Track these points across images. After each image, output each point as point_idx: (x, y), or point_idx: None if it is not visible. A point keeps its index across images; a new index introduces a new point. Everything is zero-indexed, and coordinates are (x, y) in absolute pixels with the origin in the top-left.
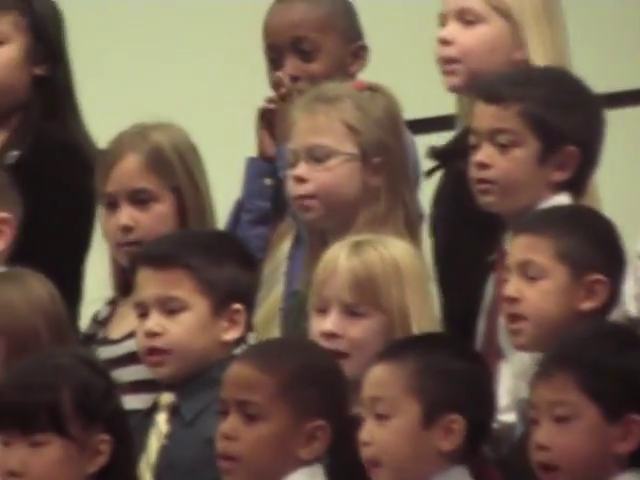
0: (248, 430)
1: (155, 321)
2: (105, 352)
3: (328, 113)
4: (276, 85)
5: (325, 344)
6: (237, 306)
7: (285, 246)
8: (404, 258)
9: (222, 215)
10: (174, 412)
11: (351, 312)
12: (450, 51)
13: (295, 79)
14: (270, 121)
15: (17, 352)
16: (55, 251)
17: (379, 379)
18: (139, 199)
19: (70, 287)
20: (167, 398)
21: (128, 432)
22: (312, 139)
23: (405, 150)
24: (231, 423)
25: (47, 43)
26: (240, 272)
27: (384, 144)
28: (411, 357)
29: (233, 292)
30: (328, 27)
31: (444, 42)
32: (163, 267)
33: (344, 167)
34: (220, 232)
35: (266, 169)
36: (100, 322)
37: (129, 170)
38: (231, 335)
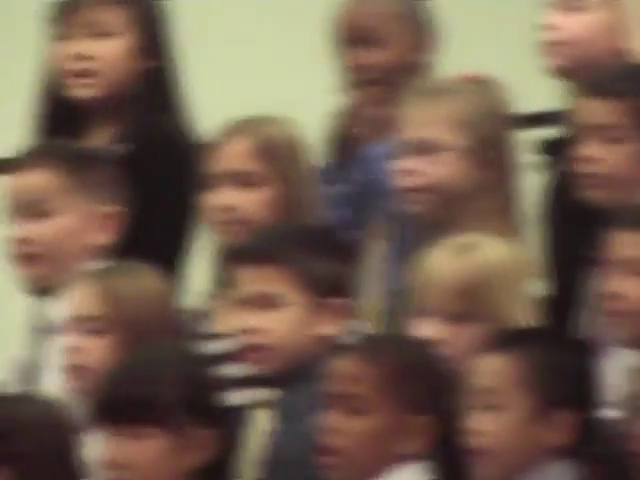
0: (351, 423)
1: (255, 318)
2: (209, 347)
3: (438, 106)
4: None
5: None
6: (335, 300)
7: (379, 248)
8: (505, 262)
9: None
10: (275, 408)
11: (454, 319)
12: (556, 35)
13: (364, 69)
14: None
15: (133, 345)
16: (161, 245)
17: (492, 370)
18: (243, 181)
19: (174, 280)
20: (268, 395)
21: (231, 427)
22: (422, 132)
23: (512, 143)
24: (335, 416)
25: (154, 36)
26: (338, 266)
27: (495, 137)
28: (524, 349)
29: (332, 286)
30: (398, 18)
31: (550, 28)
32: (261, 263)
33: (454, 161)
34: (316, 226)
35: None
36: (199, 315)
37: (236, 152)
38: (330, 329)
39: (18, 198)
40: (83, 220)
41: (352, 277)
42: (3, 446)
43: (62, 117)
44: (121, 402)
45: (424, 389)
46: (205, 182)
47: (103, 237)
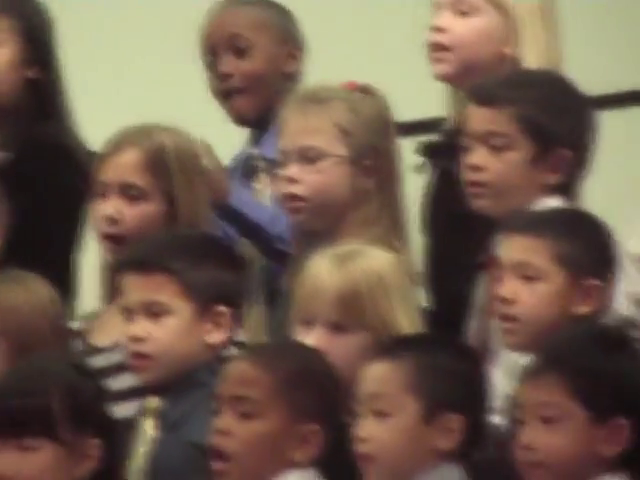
0: (242, 427)
1: (140, 326)
2: (97, 360)
3: (319, 114)
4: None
5: None
6: (221, 308)
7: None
8: (387, 270)
9: None
10: (160, 417)
11: (336, 328)
12: (442, 38)
13: (229, 76)
14: None
15: (21, 354)
16: (46, 253)
17: (378, 376)
18: (129, 194)
19: (61, 288)
20: (153, 403)
21: (117, 437)
22: (303, 140)
23: (395, 150)
24: (225, 419)
25: (38, 46)
26: (224, 273)
27: (375, 146)
28: (410, 355)
29: (217, 294)
30: (261, 26)
31: (437, 29)
32: (145, 272)
33: (335, 169)
34: (203, 233)
35: None
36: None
37: (125, 163)
38: (216, 337)
39: None
40: None
41: (241, 284)
42: None
43: None
44: (6, 414)
45: (316, 396)
46: (94, 191)
47: None
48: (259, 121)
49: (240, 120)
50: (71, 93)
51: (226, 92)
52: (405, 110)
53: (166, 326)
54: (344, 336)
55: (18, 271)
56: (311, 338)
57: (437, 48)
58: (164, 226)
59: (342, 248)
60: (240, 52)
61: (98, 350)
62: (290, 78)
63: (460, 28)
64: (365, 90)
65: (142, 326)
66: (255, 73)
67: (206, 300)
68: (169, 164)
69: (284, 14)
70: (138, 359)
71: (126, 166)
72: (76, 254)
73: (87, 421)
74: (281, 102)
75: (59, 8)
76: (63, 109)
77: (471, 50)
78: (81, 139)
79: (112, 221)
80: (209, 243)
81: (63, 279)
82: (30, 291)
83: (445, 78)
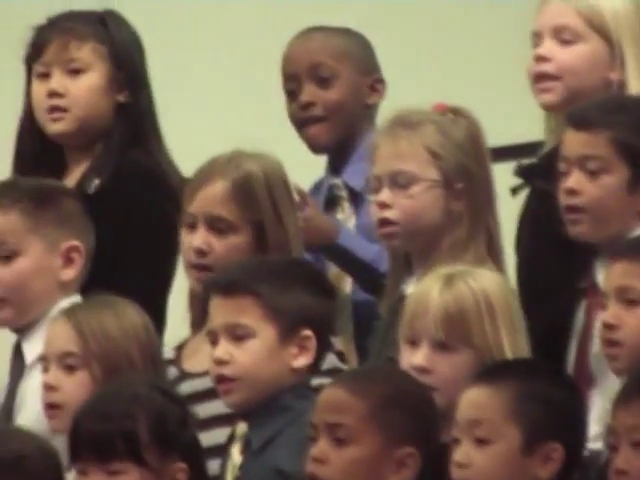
0: (338, 453)
1: (223, 349)
2: (186, 386)
3: (410, 139)
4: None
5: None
6: (307, 332)
7: None
8: (495, 291)
9: None
10: (247, 442)
11: (442, 347)
12: (548, 67)
13: (311, 105)
14: None
15: (111, 379)
16: (137, 279)
17: (479, 402)
18: (217, 226)
19: (152, 315)
20: (242, 428)
21: (203, 461)
22: (395, 165)
23: (488, 174)
24: (321, 446)
25: (127, 70)
26: (311, 298)
27: (466, 169)
28: (511, 381)
29: (302, 318)
30: (344, 56)
31: (541, 59)
32: (230, 294)
33: (427, 193)
34: (291, 259)
35: None
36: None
37: (213, 195)
38: (301, 362)
39: None
40: (47, 258)
41: (328, 309)
42: None
43: (42, 153)
44: (93, 438)
45: (410, 419)
46: (183, 220)
47: (69, 273)
48: (338, 149)
49: (317, 148)
50: (163, 117)
51: (305, 120)
52: (502, 134)
53: (249, 349)
54: (449, 355)
55: (111, 296)
56: (417, 357)
57: (543, 78)
58: (254, 255)
59: (451, 268)
60: (323, 81)
61: (190, 376)
62: (371, 109)
63: (565, 56)
64: (456, 112)
65: (225, 349)
66: (337, 103)
67: (291, 324)
68: (257, 194)
69: (366, 45)
70: (222, 382)
71: (214, 198)
72: (168, 281)
73: (173, 446)
74: (362, 130)
75: (145, 32)
76: (154, 134)
77: (578, 78)
78: (172, 164)
79: (201, 253)
80: (297, 267)
81: (154, 306)
82: (123, 316)
83: (553, 107)
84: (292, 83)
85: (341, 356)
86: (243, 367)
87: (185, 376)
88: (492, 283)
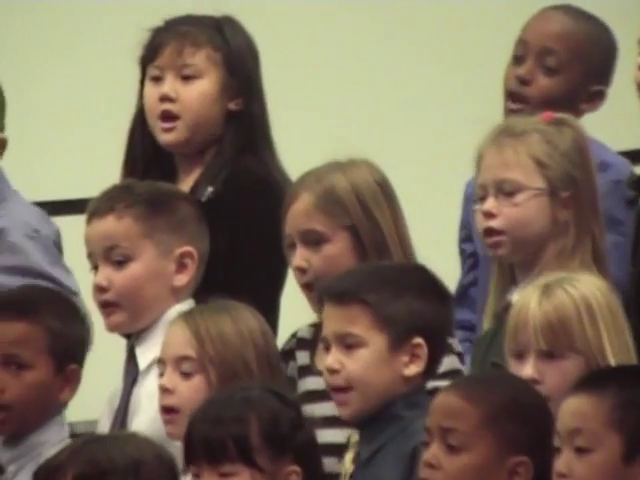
0: (450, 459)
1: (334, 357)
2: (311, 383)
3: (516, 148)
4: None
5: None
6: (418, 340)
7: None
8: (595, 295)
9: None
10: (356, 449)
11: (548, 356)
12: None
13: (526, 83)
14: None
15: (228, 383)
16: (250, 285)
17: (579, 411)
18: (310, 240)
19: (265, 320)
20: (355, 437)
21: (318, 463)
22: (501, 174)
23: (594, 182)
24: (434, 451)
25: (241, 77)
26: (423, 305)
27: (572, 178)
28: (612, 389)
29: (413, 326)
30: (580, 53)
31: None
32: (341, 303)
33: (533, 202)
34: (405, 264)
35: None
36: (300, 340)
37: (300, 210)
38: (412, 370)
39: (94, 245)
40: (161, 263)
41: (442, 316)
42: None
43: (153, 156)
44: (203, 442)
45: (525, 428)
46: (286, 244)
47: (182, 278)
48: None
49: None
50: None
51: (514, 94)
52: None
53: (359, 358)
54: (556, 363)
55: (229, 301)
56: (525, 369)
57: None
58: (355, 258)
59: (550, 276)
60: (548, 69)
61: (319, 373)
62: (578, 115)
63: None
64: (561, 121)
65: (336, 357)
66: (551, 94)
67: (402, 332)
68: (343, 201)
69: (610, 48)
70: (336, 392)
71: (301, 213)
72: (280, 287)
73: (286, 448)
74: None
75: (261, 39)
76: (265, 142)
77: None
78: (284, 172)
79: (302, 271)
80: (410, 273)
81: (266, 311)
82: (240, 321)
83: None
84: (521, 49)
85: (462, 357)
86: (353, 376)
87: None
88: (591, 287)
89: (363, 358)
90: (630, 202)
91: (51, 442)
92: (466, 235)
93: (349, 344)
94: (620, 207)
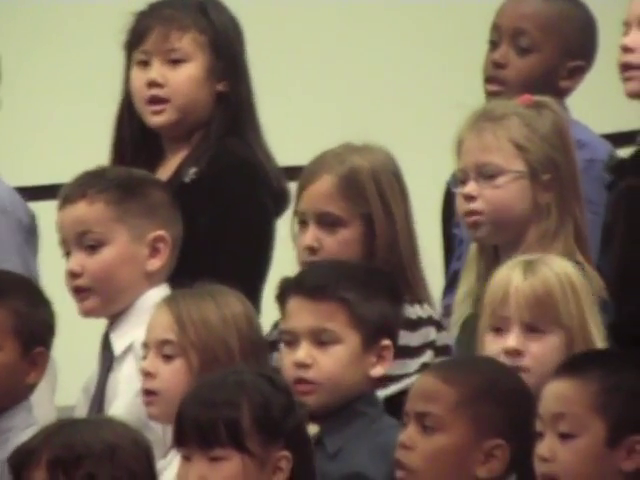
0: (425, 441)
1: (306, 352)
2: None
3: (495, 132)
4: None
5: (506, 361)
6: (386, 342)
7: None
8: (575, 273)
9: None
10: (317, 443)
11: (532, 329)
12: (632, 58)
13: (501, 66)
14: None
15: (210, 368)
16: (233, 267)
17: (563, 395)
18: (327, 222)
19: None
20: (311, 429)
21: (309, 449)
22: (481, 157)
23: (574, 165)
24: (409, 433)
25: (228, 59)
26: (389, 308)
27: (552, 160)
28: (596, 374)
29: (383, 327)
30: (553, 30)
31: (626, 49)
32: (319, 298)
33: (513, 185)
34: (371, 266)
35: None
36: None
37: (320, 192)
38: (378, 371)
39: (67, 230)
40: (133, 247)
41: (401, 319)
42: (79, 471)
43: (141, 140)
44: (194, 425)
45: (502, 411)
46: (296, 219)
47: (155, 263)
48: None
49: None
50: (260, 107)
51: (493, 79)
52: (601, 124)
53: (333, 355)
54: (540, 337)
55: (215, 285)
56: (509, 340)
57: (626, 67)
58: (363, 249)
59: (528, 256)
60: (521, 50)
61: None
62: (560, 93)
63: None
64: (541, 104)
65: (308, 352)
66: (528, 74)
67: (373, 332)
68: (364, 188)
69: (585, 25)
70: (302, 385)
71: (321, 195)
72: (264, 269)
73: (277, 434)
74: None
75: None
76: (251, 124)
77: None
78: (269, 155)
79: (312, 250)
80: (377, 276)
81: (248, 294)
82: (224, 305)
83: (636, 96)
84: (495, 34)
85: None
86: (326, 372)
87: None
88: (570, 268)
89: (337, 355)
90: (608, 186)
91: (19, 427)
92: (457, 221)
93: (323, 340)
94: (592, 186)
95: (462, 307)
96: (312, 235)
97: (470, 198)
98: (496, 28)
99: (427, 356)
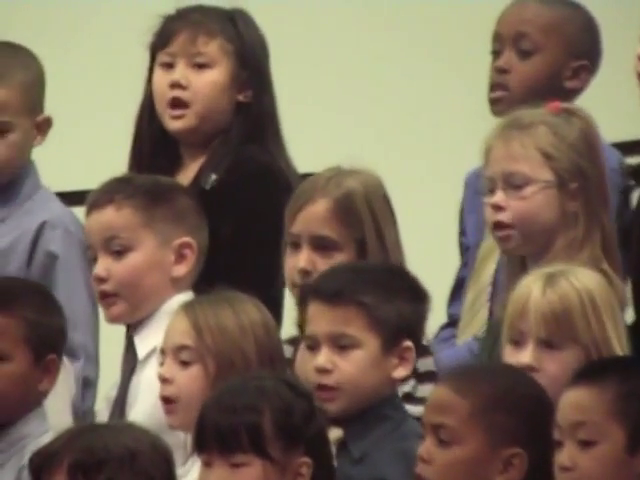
0: (442, 453)
1: (326, 357)
2: None
3: (523, 140)
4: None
5: None
6: (407, 343)
7: (489, 269)
8: (597, 288)
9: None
10: (342, 448)
11: (548, 346)
12: None
13: (504, 72)
14: None
15: (225, 374)
16: (254, 274)
17: (580, 403)
18: (321, 245)
19: (268, 309)
20: (335, 433)
21: (329, 455)
22: (508, 167)
23: (602, 173)
24: (426, 446)
25: (252, 70)
26: (410, 308)
27: (580, 169)
28: (613, 381)
29: (403, 328)
30: (553, 31)
31: None
32: (336, 303)
33: (541, 195)
34: (391, 266)
35: None
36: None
37: (316, 215)
38: (401, 372)
39: (94, 236)
40: (160, 253)
41: (424, 318)
42: (100, 476)
43: (160, 142)
44: (215, 431)
45: (518, 419)
46: (287, 238)
47: (181, 269)
48: None
49: (496, 113)
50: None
51: (496, 86)
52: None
53: (353, 359)
54: (556, 353)
55: (233, 292)
56: (524, 356)
57: None
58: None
59: (552, 268)
60: (524, 52)
61: None
62: (567, 94)
63: None
64: (569, 112)
65: (329, 358)
66: (531, 77)
67: (393, 334)
68: (359, 212)
69: (586, 24)
70: (323, 390)
71: (317, 218)
72: (281, 279)
73: (298, 440)
74: None
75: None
76: (273, 134)
77: None
78: (290, 163)
79: (305, 273)
80: (396, 276)
81: (270, 300)
82: (241, 312)
83: None
84: (497, 43)
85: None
86: (346, 377)
87: None
88: (593, 281)
89: (357, 359)
90: (623, 191)
91: (34, 435)
92: (462, 229)
93: (343, 345)
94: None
95: (469, 314)
96: (306, 258)
97: (498, 208)
98: (497, 37)
99: (408, 386)
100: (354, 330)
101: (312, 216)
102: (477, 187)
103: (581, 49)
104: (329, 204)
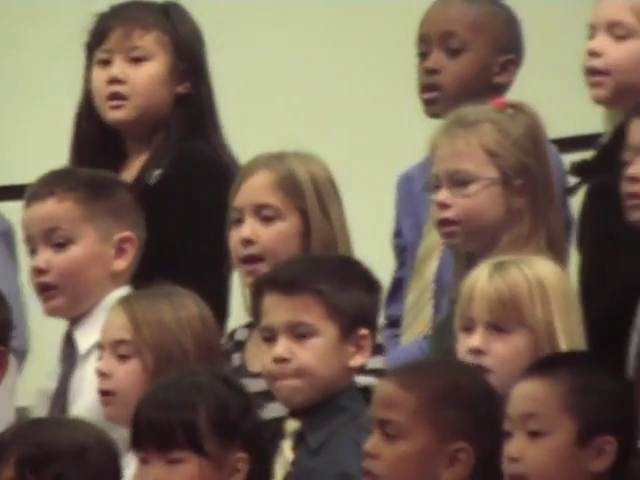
0: (389, 448)
1: (284, 347)
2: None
3: (467, 138)
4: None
5: (471, 360)
6: (364, 331)
7: (432, 267)
8: (549, 276)
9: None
10: (299, 439)
11: (496, 329)
12: (598, 63)
13: (434, 72)
14: None
15: (164, 368)
16: (198, 268)
17: (533, 395)
18: (264, 215)
19: (213, 304)
20: (292, 425)
21: (265, 450)
22: (453, 164)
23: (548, 169)
24: (373, 441)
25: (189, 61)
26: (365, 296)
27: (525, 165)
28: (566, 374)
29: (360, 317)
30: (480, 28)
31: (592, 54)
32: (293, 292)
33: (485, 192)
34: (345, 257)
35: None
36: (237, 343)
37: (258, 185)
38: (358, 361)
39: (34, 227)
40: (101, 247)
41: (378, 308)
42: (48, 470)
43: (101, 141)
44: (153, 426)
45: (464, 414)
46: (230, 218)
47: (121, 263)
48: None
49: (431, 114)
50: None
51: (428, 86)
52: (563, 126)
53: (311, 347)
54: (504, 336)
55: (170, 286)
56: (472, 340)
57: (593, 72)
58: (300, 244)
59: (504, 257)
60: (452, 51)
61: (251, 375)
62: (497, 89)
63: (615, 52)
64: (515, 108)
65: (287, 347)
66: (462, 75)
67: (350, 323)
68: (301, 183)
69: (509, 20)
70: (283, 379)
71: (259, 187)
72: (229, 269)
73: (234, 435)
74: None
75: (209, 23)
76: (213, 126)
77: (627, 74)
78: (232, 155)
79: (248, 242)
80: (351, 265)
81: (215, 294)
82: (179, 306)
83: (602, 101)
84: (423, 45)
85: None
86: (305, 365)
87: (247, 375)
88: (546, 270)
89: (315, 347)
90: (570, 190)
91: None
92: (397, 230)
93: (301, 333)
94: None
95: (412, 312)
96: (249, 227)
97: (444, 206)
98: (423, 38)
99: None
100: (311, 318)
101: (254, 186)
102: (407, 189)
103: (507, 44)
104: (271, 175)
